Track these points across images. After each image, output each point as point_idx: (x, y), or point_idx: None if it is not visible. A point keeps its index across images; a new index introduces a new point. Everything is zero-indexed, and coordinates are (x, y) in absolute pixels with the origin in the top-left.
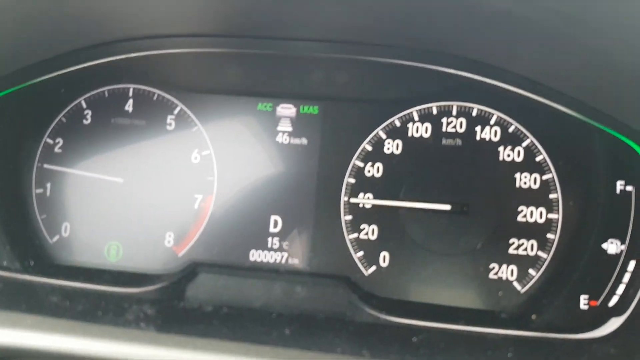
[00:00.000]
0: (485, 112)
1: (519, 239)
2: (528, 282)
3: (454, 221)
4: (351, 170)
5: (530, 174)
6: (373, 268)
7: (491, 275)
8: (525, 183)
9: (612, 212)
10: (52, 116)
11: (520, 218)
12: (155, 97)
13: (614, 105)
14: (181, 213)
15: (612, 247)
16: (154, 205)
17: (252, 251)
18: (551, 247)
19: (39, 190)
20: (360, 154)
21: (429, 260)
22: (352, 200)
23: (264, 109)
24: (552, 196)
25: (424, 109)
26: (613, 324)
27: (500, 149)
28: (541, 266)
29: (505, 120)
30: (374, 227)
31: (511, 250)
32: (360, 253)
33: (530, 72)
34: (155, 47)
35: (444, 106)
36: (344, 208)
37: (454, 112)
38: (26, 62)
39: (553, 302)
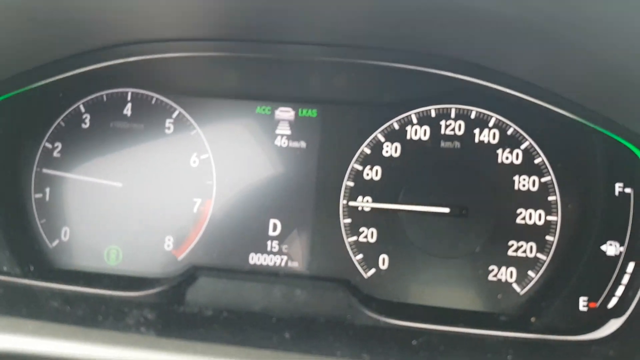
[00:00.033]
0: (484, 114)
1: (518, 241)
2: (527, 284)
3: (453, 224)
4: (350, 174)
5: (529, 177)
6: (372, 271)
7: (490, 278)
8: (524, 185)
9: (611, 214)
10: (51, 120)
11: (519, 220)
12: (153, 101)
13: (612, 107)
14: (180, 217)
15: (611, 249)
16: (153, 209)
17: (252, 254)
18: (550, 249)
19: (38, 195)
20: (359, 157)
21: (428, 263)
22: (351, 203)
23: (262, 113)
24: (550, 198)
25: (423, 111)
26: (612, 326)
27: (499, 151)
28: (540, 268)
29: (503, 123)
30: (373, 230)
31: (510, 253)
32: (360, 256)
33: (528, 75)
34: (153, 51)
35: (443, 109)
36: (343, 211)
37: (453, 115)
38: (24, 67)
39: (552, 303)
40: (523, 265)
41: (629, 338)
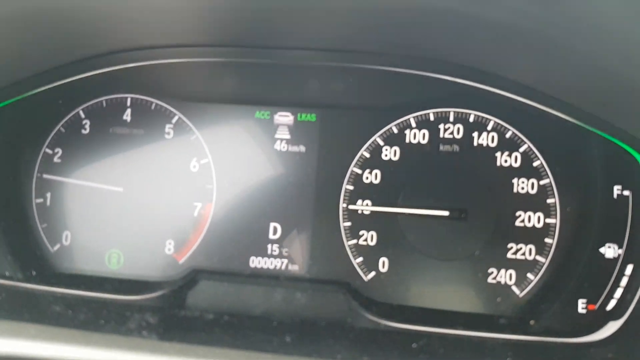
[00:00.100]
0: (483, 118)
1: (517, 243)
2: (527, 287)
3: (453, 227)
4: (349, 177)
5: (528, 179)
6: (372, 274)
7: (490, 280)
8: (522, 188)
9: (610, 216)
10: (51, 126)
11: (518, 223)
12: (153, 107)
13: (610, 111)
14: (181, 221)
15: (610, 251)
16: (154, 213)
17: (252, 258)
18: (549, 252)
19: (39, 200)
20: (358, 160)
21: (428, 266)
22: (351, 206)
23: (261, 117)
24: (549, 201)
25: (421, 115)
26: (611, 328)
27: (498, 154)
28: (539, 270)
29: (502, 126)
30: (373, 233)
31: (509, 255)
32: (360, 259)
33: (526, 79)
34: (152, 57)
35: (441, 113)
36: (343, 214)
37: (451, 119)
38: (24, 73)
39: (551, 306)
40: (522, 267)
41: (628, 340)
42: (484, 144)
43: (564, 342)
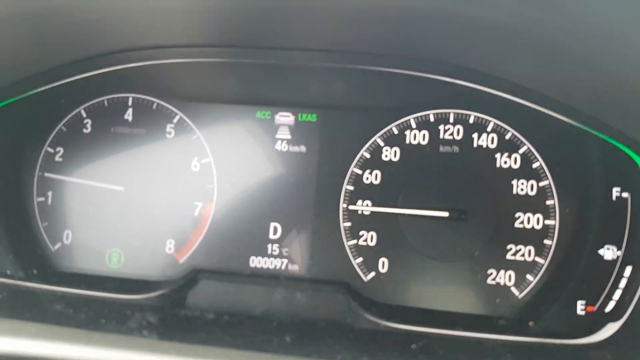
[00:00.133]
0: (482, 119)
1: (516, 245)
2: (526, 288)
3: (452, 227)
4: (350, 178)
5: (527, 181)
6: (372, 274)
7: (489, 281)
8: (522, 190)
9: (609, 218)
10: (53, 126)
11: (517, 224)
12: (154, 106)
13: (609, 113)
14: (181, 220)
15: (609, 253)
16: (155, 213)
17: (252, 258)
18: (548, 253)
19: (41, 199)
20: (358, 161)
21: (427, 266)
22: (351, 207)
23: (262, 117)
24: (549, 203)
25: (421, 116)
26: (610, 330)
27: (497, 156)
28: (539, 272)
29: (502, 128)
30: (373, 233)
31: (509, 256)
32: (360, 259)
33: (526, 81)
34: (154, 57)
35: (441, 114)
36: (343, 215)
37: (451, 120)
38: (26, 73)
39: (550, 307)
40: (521, 268)
41: (626, 342)
42: (484, 145)
43: (563, 343)
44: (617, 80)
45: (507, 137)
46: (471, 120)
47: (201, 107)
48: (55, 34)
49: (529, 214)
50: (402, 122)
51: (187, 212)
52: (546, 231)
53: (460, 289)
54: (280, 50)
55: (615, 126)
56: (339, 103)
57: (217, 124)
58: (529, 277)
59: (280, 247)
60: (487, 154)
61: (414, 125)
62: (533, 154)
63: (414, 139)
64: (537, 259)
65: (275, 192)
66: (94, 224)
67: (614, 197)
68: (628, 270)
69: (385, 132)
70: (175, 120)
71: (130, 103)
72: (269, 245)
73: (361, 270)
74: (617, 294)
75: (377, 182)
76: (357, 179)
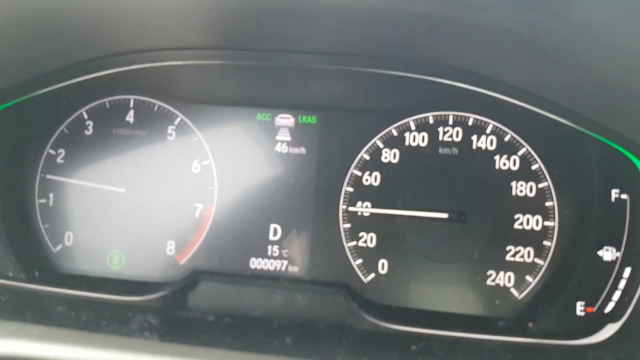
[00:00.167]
0: (481, 121)
1: (515, 246)
2: (525, 289)
3: (452, 229)
4: (349, 179)
5: (526, 183)
6: (372, 275)
7: (489, 282)
8: (521, 191)
9: (608, 219)
10: (54, 127)
11: (516, 226)
12: (155, 108)
13: (608, 115)
14: (182, 222)
15: (608, 254)
16: (156, 214)
17: (253, 259)
18: (548, 254)
19: (42, 201)
20: (358, 163)
21: (427, 268)
22: (351, 208)
23: (263, 119)
24: (548, 204)
25: (421, 118)
26: (609, 330)
27: (496, 157)
28: (538, 273)
29: (501, 130)
30: (373, 235)
31: (508, 258)
32: (359, 261)
33: (524, 83)
34: (155, 59)
35: (441, 116)
36: (343, 216)
37: (450, 122)
38: (28, 75)
39: (550, 308)
40: (521, 270)
41: (626, 343)
42: (483, 147)
43: (562, 344)
44: (615, 82)
45: (506, 139)
46: (470, 122)
47: (202, 109)
48: (57, 36)
49: (528, 216)
50: (401, 124)
51: (188, 213)
52: (545, 232)
53: (459, 290)
54: (280, 53)
55: (614, 128)
56: (339, 105)
57: (218, 125)
58: (528, 278)
59: (280, 249)
60: (486, 156)
61: (413, 127)
62: (532, 155)
63: (414, 140)
64: (537, 260)
65: (276, 193)
66: (95, 226)
67: (612, 199)
68: (627, 271)
69: (384, 134)
70: (176, 122)
71: (131, 105)
72: (269, 247)
73: (361, 271)
74: (617, 295)
75: (377, 183)
76: (356, 181)
